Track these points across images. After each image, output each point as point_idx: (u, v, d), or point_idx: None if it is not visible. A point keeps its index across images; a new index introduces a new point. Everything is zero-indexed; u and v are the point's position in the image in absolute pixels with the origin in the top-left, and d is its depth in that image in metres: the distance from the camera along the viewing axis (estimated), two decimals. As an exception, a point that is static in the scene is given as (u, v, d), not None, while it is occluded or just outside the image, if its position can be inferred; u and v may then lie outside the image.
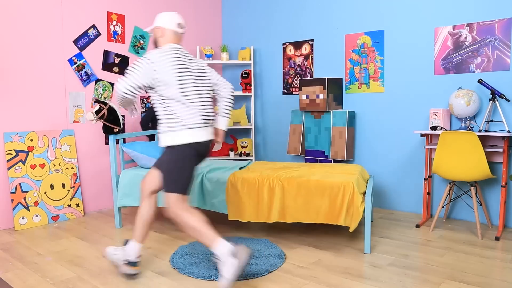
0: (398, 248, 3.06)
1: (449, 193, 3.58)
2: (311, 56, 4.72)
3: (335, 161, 4.37)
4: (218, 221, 3.88)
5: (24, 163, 3.73)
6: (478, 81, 3.47)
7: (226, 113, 2.67)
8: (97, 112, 3.56)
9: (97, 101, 3.62)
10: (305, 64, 4.78)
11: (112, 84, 4.40)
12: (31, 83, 3.82)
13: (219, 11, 5.53)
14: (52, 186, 3.88)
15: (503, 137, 3.28)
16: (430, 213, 3.91)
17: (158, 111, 2.40)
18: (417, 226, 3.59)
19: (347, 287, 2.42)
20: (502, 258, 2.84)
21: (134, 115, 2.79)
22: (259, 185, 3.17)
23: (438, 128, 3.58)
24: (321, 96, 4.29)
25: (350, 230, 2.90)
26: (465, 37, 3.68)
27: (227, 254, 2.22)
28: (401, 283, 2.46)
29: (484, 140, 3.50)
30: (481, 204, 3.58)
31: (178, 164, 2.36)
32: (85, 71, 4.17)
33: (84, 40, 4.16)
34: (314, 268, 2.71)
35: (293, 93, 4.90)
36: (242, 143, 5.19)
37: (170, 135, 2.36)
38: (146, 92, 2.45)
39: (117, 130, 3.64)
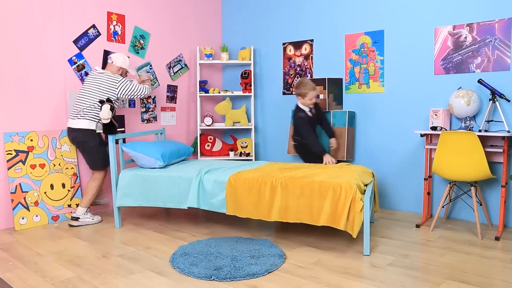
0: (398, 248, 3.06)
1: (449, 193, 3.58)
2: (311, 56, 4.72)
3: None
4: (217, 221, 3.88)
5: (24, 163, 3.73)
6: (478, 81, 3.47)
7: None
8: (111, 110, 3.62)
9: (101, 101, 3.62)
10: (305, 64, 4.78)
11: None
12: (31, 83, 3.82)
13: (219, 11, 5.53)
14: (52, 186, 3.88)
15: (503, 137, 3.28)
16: (430, 213, 3.91)
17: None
18: (417, 226, 3.59)
19: (347, 287, 2.42)
20: (502, 258, 2.84)
21: None
22: (261, 183, 3.17)
23: (438, 128, 3.58)
24: (321, 96, 4.29)
25: (354, 236, 2.88)
26: (465, 37, 3.67)
27: None
28: (401, 283, 2.46)
29: (484, 140, 3.50)
30: (481, 204, 3.58)
31: None
32: (85, 71, 4.17)
33: (84, 40, 4.16)
34: (314, 268, 2.71)
35: (293, 93, 4.89)
36: (242, 143, 5.19)
37: None
38: None
39: (121, 130, 3.66)
